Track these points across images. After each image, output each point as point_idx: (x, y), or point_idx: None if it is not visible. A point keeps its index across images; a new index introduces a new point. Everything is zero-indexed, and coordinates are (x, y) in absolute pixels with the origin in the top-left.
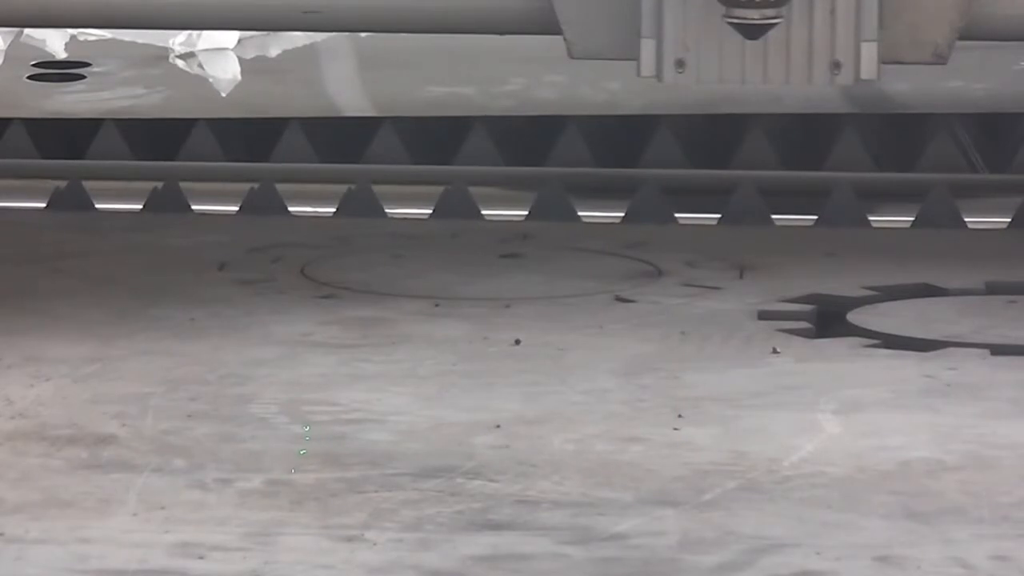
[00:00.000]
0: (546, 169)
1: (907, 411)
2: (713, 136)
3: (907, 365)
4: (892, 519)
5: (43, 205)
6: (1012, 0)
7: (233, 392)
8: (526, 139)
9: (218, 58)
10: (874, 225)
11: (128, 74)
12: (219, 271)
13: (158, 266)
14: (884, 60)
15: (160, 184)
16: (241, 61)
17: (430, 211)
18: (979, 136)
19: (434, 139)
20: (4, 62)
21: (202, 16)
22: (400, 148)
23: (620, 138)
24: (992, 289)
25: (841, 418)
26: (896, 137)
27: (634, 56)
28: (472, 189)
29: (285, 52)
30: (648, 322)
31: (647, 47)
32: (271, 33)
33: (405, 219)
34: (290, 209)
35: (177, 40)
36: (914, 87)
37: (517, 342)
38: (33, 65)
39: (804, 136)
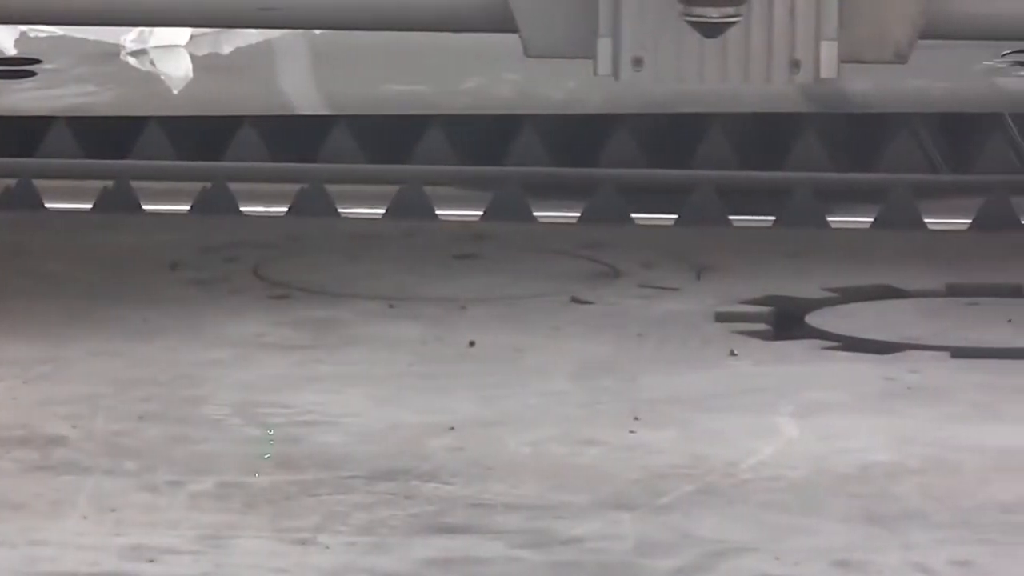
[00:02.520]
0: (503, 168)
1: (867, 414)
2: (671, 136)
3: (867, 367)
4: (852, 523)
5: None
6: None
7: (185, 393)
8: (482, 138)
9: (170, 55)
10: (834, 226)
11: (79, 71)
12: (172, 271)
13: (110, 266)
14: (844, 59)
15: (111, 183)
16: (193, 58)
17: (384, 211)
18: (940, 136)
19: (389, 138)
20: None
21: (155, 13)
22: (354, 147)
23: (577, 137)
24: (953, 291)
25: (800, 421)
26: (856, 137)
27: (591, 55)
28: (427, 189)
29: (238, 49)
30: (605, 324)
31: (604, 45)
32: (224, 30)
33: (359, 219)
34: (243, 208)
35: (129, 37)
36: (875, 86)
37: (472, 344)
38: None
39: (763, 136)
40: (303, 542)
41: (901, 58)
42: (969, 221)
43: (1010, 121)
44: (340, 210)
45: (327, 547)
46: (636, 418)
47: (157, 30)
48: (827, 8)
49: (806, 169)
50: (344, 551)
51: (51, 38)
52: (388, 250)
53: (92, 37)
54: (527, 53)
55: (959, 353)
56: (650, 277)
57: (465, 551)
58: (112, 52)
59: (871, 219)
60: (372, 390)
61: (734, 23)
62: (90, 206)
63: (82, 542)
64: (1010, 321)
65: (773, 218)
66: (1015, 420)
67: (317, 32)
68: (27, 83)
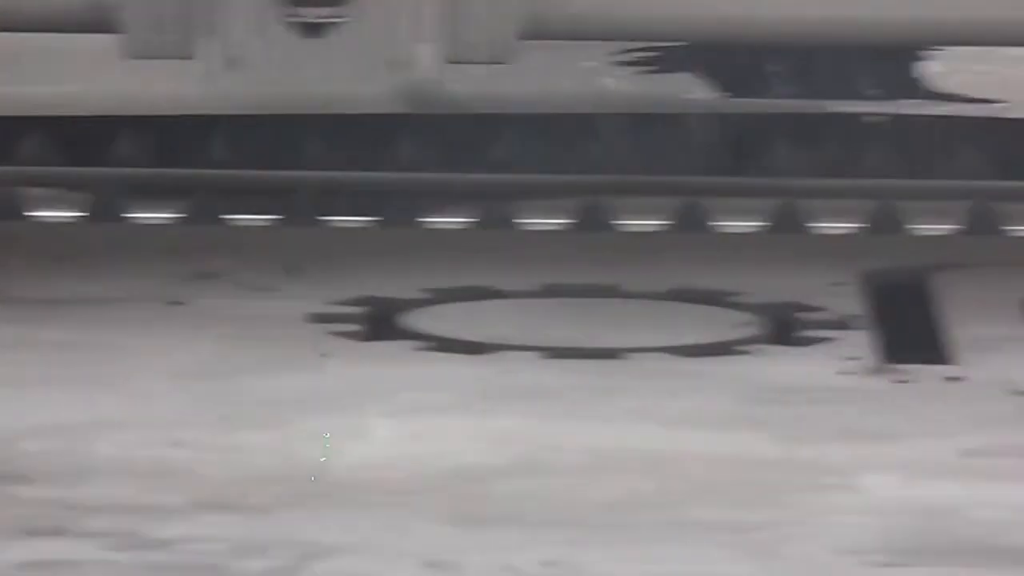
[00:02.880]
0: (100, 169)
1: (461, 414)
2: (271, 137)
3: (461, 368)
4: (444, 524)
5: None
6: (576, 1)
7: None
8: (83, 139)
9: None
10: (430, 226)
11: None
12: None
13: None
14: (446, 60)
15: None
16: None
17: None
18: (542, 136)
19: None
20: None
21: None
22: None
23: (176, 138)
24: (548, 291)
25: (394, 422)
26: (458, 137)
27: (192, 55)
28: (24, 190)
29: None
30: (201, 325)
31: (204, 46)
32: None
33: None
34: None
35: None
36: (476, 87)
37: (70, 345)
38: None
39: (364, 136)
40: None
41: (503, 59)
42: (569, 222)
43: (607, 121)
44: None
45: None
46: (231, 420)
47: None
48: (428, 9)
49: (407, 169)
50: None
51: None
52: None
53: None
54: (127, 55)
55: (552, 353)
56: (246, 278)
57: (57, 554)
58: None
59: (471, 219)
60: None
61: (335, 24)
62: None
63: None
64: (604, 321)
65: (370, 218)
66: (607, 419)
67: None
68: None
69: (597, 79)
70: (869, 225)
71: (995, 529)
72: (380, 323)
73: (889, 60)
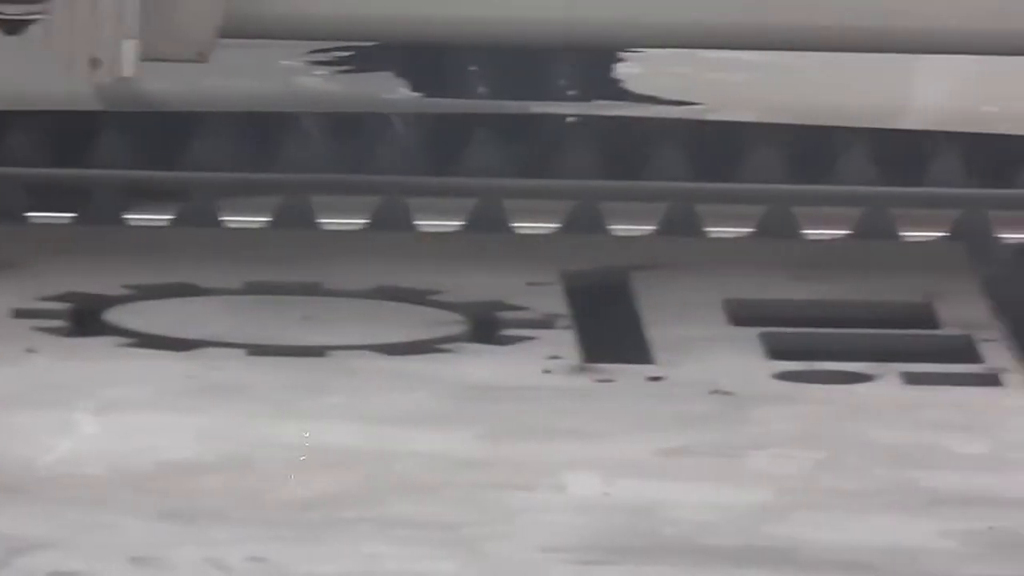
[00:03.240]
0: None
1: (167, 411)
2: None
3: (167, 364)
4: (150, 520)
5: None
6: (275, 0)
7: None
8: None
9: None
10: (133, 223)
11: None
12: None
13: None
14: (145, 57)
15: None
16: None
17: None
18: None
19: None
20: None
21: None
22: None
23: None
24: (252, 288)
25: (100, 418)
26: (158, 135)
27: None
28: None
29: None
30: None
31: None
32: None
33: None
34: None
35: None
36: (173, 85)
37: None
38: None
39: (65, 134)
40: None
41: (202, 57)
42: (269, 219)
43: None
44: None
45: None
46: None
47: None
48: (129, 6)
49: (108, 167)
50: None
51: None
52: None
53: None
54: None
55: (257, 351)
56: None
57: None
58: None
59: (170, 217)
60: None
61: (36, 20)
62: None
63: None
64: (307, 318)
65: (73, 215)
66: (311, 417)
67: None
68: None
69: (296, 78)
70: (570, 225)
71: (696, 528)
72: (85, 319)
73: (589, 62)
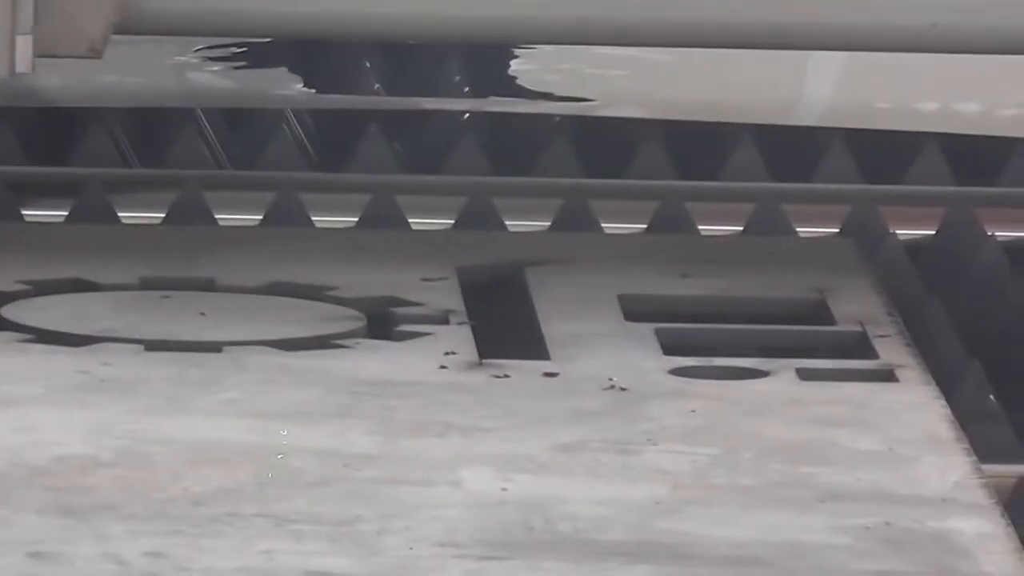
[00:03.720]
0: None
1: (61, 407)
2: None
3: (61, 360)
4: (45, 515)
5: None
6: None
7: None
8: None
9: None
10: (26, 219)
11: None
12: None
13: None
14: (38, 53)
15: None
16: None
17: None
18: (133, 131)
19: None
20: None
21: None
22: None
23: None
24: (146, 284)
25: None
26: (46, 131)
27: None
28: None
29: None
30: None
31: None
32: None
33: None
34: None
35: None
36: (66, 81)
37: None
38: None
39: None
40: None
41: (96, 53)
42: (163, 215)
43: (202, 116)
44: None
45: None
46: None
47: None
48: (22, 2)
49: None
50: None
51: None
52: None
53: None
54: None
55: (152, 346)
56: None
57: None
58: None
59: (65, 212)
60: None
61: None
62: None
63: None
64: (203, 314)
65: None
66: (205, 413)
67: None
68: None
69: (189, 74)
70: (463, 221)
71: (590, 524)
72: None
73: (481, 57)
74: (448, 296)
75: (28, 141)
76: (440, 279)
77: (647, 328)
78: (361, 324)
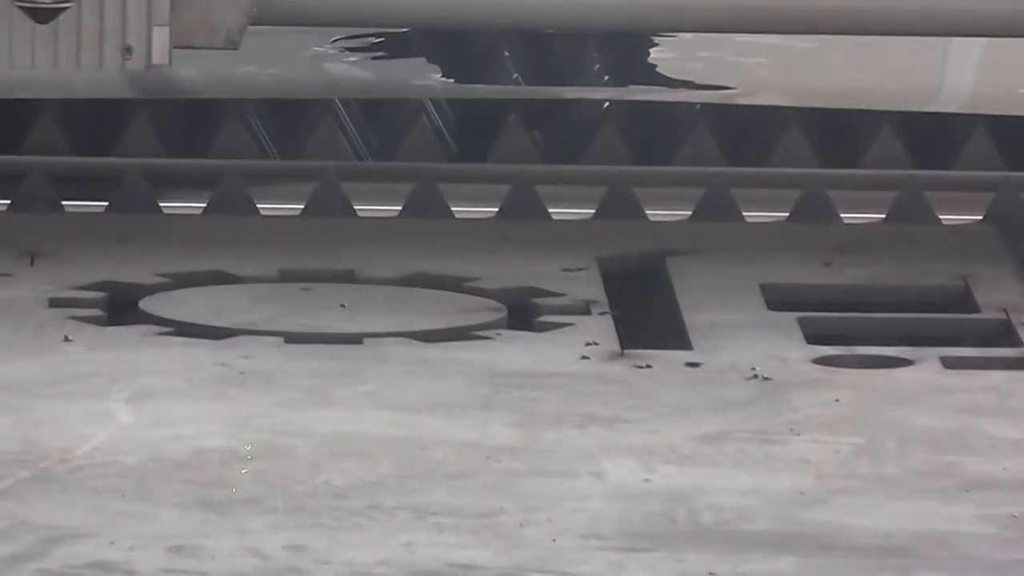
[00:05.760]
0: None
1: (201, 400)
2: (2, 121)
3: (201, 353)
4: (186, 509)
5: None
6: None
7: None
8: None
9: None
10: (165, 211)
11: None
12: None
13: None
14: (176, 45)
15: None
16: None
17: None
18: (271, 122)
19: None
20: None
21: None
22: None
23: None
24: (286, 276)
25: (134, 407)
26: (187, 123)
27: None
28: None
29: None
30: None
31: None
32: None
33: None
34: None
35: None
36: (203, 72)
37: None
38: None
39: (95, 122)
40: None
41: (232, 44)
42: (301, 206)
43: (340, 106)
44: None
45: None
46: None
47: None
48: None
49: (137, 155)
50: None
51: None
52: None
53: None
54: None
55: (292, 339)
56: None
57: None
58: None
59: (203, 204)
60: None
61: (65, 8)
62: None
63: None
64: (343, 306)
65: (105, 203)
66: (345, 405)
67: None
68: None
69: (327, 64)
70: (604, 211)
71: (734, 514)
72: (121, 308)
73: (621, 46)
74: (589, 286)
75: (166, 133)
76: (581, 269)
77: (790, 317)
78: (502, 315)
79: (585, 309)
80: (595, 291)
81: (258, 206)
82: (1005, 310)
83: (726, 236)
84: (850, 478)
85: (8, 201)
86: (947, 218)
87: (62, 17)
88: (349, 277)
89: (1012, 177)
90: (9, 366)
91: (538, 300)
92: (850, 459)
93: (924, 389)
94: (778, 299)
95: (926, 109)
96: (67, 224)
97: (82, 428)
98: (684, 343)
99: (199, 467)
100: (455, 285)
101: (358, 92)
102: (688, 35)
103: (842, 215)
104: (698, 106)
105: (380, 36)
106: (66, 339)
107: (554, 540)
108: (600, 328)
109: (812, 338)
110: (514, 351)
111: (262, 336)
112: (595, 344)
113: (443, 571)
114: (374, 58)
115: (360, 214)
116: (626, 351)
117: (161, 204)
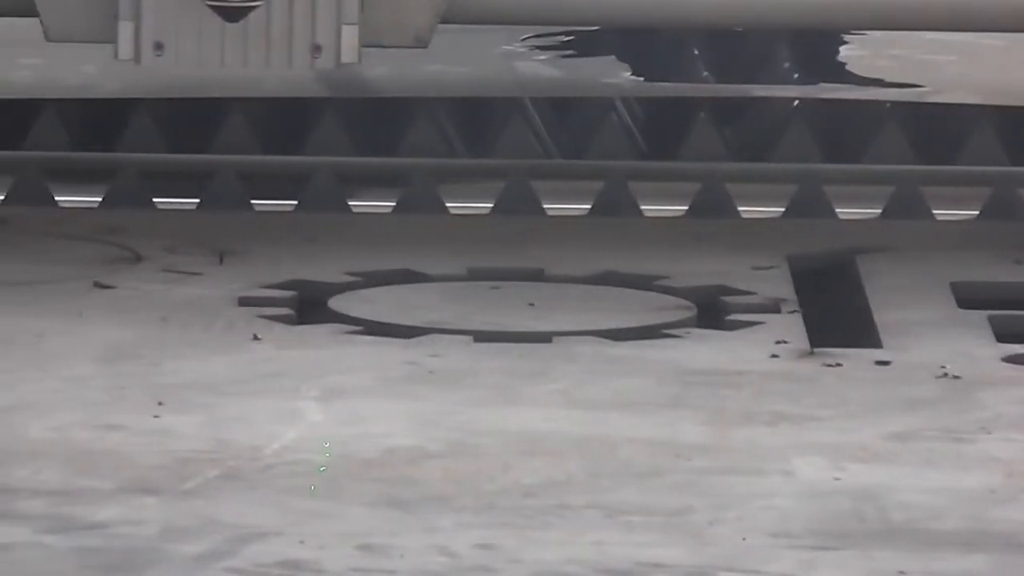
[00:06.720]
0: (22, 153)
1: (389, 398)
2: (192, 120)
3: (390, 351)
4: (375, 507)
5: None
6: None
7: None
8: (2, 122)
9: None
10: (354, 210)
11: None
12: None
13: None
14: (365, 43)
15: None
16: None
17: None
18: (460, 120)
19: None
20: None
21: None
22: None
23: (98, 122)
24: (474, 275)
25: (323, 405)
26: (376, 121)
27: (112, 39)
28: None
29: None
30: (128, 308)
31: (125, 29)
32: None
33: None
34: None
35: None
36: (392, 71)
37: None
38: None
39: (284, 120)
40: None
41: (421, 43)
42: (491, 205)
43: (530, 105)
44: None
45: None
46: (160, 403)
47: None
48: None
49: (327, 154)
50: None
51: None
52: None
53: None
54: (47, 37)
55: (481, 337)
56: (173, 262)
57: None
58: None
59: (392, 203)
60: None
61: (255, 7)
62: None
63: None
64: (532, 305)
65: (295, 203)
66: (535, 404)
67: None
68: None
69: (517, 63)
70: (794, 209)
71: (924, 513)
72: (309, 307)
73: (809, 44)
74: (779, 284)
75: (355, 131)
76: (771, 267)
77: (980, 315)
78: (691, 313)
79: (775, 307)
80: (785, 289)
81: (447, 204)
82: None
83: (916, 234)
84: None
85: (197, 200)
86: None
87: (252, 15)
88: (538, 276)
89: None
90: (199, 364)
91: (728, 298)
92: None
93: None
94: (968, 297)
95: None
96: (256, 223)
97: (271, 426)
98: (874, 341)
99: (387, 465)
100: (645, 283)
101: (548, 91)
102: (878, 33)
103: None
104: (888, 104)
105: (570, 34)
106: (255, 338)
107: (744, 538)
108: (790, 326)
109: (1002, 336)
110: (704, 349)
111: (451, 335)
112: (785, 342)
113: (633, 570)
114: (564, 56)
115: (549, 212)
116: (816, 349)
117: (350, 203)
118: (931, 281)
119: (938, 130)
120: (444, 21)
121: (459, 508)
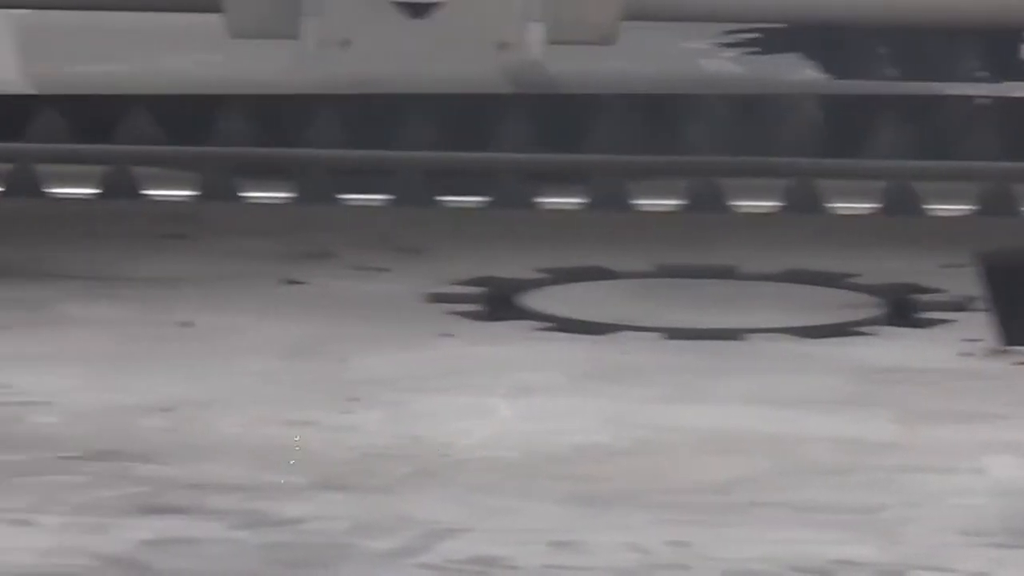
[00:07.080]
0: (209, 149)
1: (579, 395)
2: (378, 116)
3: (580, 348)
4: (565, 504)
5: None
6: None
7: None
8: (187, 118)
9: None
10: (545, 207)
11: None
12: None
13: None
14: (550, 40)
15: None
16: None
17: (94, 191)
18: (646, 117)
19: (94, 118)
20: None
21: None
22: (61, 127)
23: (284, 118)
24: (664, 271)
25: (513, 402)
26: (563, 118)
27: (296, 35)
28: (134, 169)
29: None
30: (317, 304)
31: (309, 25)
32: None
33: (67, 199)
34: None
35: None
36: (579, 67)
37: (186, 324)
38: None
39: (470, 116)
40: (19, 523)
41: (607, 40)
42: (682, 203)
43: (713, 102)
44: (49, 190)
45: (44, 527)
46: (350, 399)
47: None
48: None
49: (514, 150)
50: (61, 531)
51: None
52: (97, 230)
53: None
54: (231, 34)
55: (672, 334)
56: (362, 258)
57: (180, 532)
58: None
59: (582, 200)
60: (85, 370)
61: (440, 3)
62: None
63: None
64: (721, 302)
65: (485, 199)
66: (725, 401)
67: (19, 11)
68: None
69: (700, 60)
70: (983, 207)
71: None
72: (499, 303)
73: (998, 42)
74: (969, 282)
75: (540, 128)
76: (961, 265)
77: None
78: (881, 311)
79: (965, 305)
80: (975, 287)
81: (633, 201)
82: None
83: None
84: None
85: (384, 196)
86: None
87: (436, 12)
88: (729, 273)
89: None
90: (387, 360)
91: (918, 296)
92: None
93: None
94: None
95: None
96: (445, 219)
97: (461, 423)
98: None
99: (578, 462)
100: (835, 281)
101: (732, 87)
102: None
103: None
104: None
105: (755, 32)
106: (445, 334)
107: (935, 537)
108: (980, 324)
109: None
110: (893, 347)
111: (641, 332)
112: (975, 340)
113: (825, 567)
114: (748, 53)
115: (736, 210)
116: (1007, 348)
117: (537, 200)
118: None
119: None
120: (629, 17)
121: (649, 505)
